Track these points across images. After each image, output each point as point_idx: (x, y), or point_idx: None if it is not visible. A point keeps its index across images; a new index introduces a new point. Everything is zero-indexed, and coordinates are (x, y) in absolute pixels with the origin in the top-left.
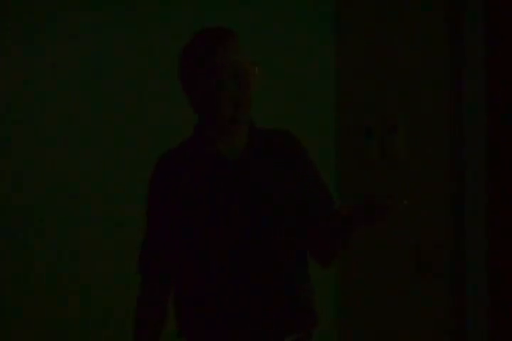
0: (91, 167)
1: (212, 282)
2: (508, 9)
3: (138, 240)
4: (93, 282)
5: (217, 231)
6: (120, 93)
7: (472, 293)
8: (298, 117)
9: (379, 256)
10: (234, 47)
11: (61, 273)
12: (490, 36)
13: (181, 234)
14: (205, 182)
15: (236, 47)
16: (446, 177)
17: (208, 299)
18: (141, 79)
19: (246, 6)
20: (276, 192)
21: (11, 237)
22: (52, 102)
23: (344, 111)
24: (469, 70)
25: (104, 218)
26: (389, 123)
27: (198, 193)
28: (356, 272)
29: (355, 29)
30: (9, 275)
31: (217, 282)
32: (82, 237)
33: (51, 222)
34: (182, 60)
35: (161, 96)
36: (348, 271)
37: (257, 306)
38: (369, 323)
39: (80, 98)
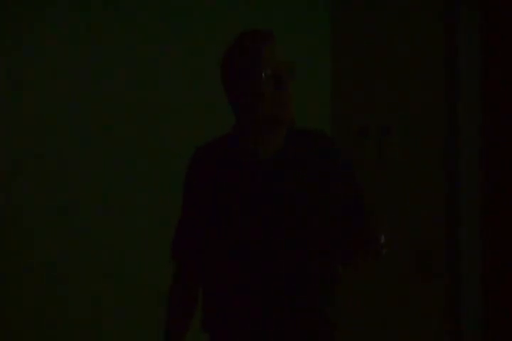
0: (91, 166)
1: (237, 280)
2: (506, 9)
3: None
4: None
5: (244, 228)
6: (120, 93)
7: (469, 293)
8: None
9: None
10: (275, 48)
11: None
12: (486, 35)
13: (211, 227)
14: (237, 180)
15: (276, 48)
16: (442, 178)
17: (231, 296)
18: (141, 80)
19: (243, 7)
20: (305, 195)
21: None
22: (52, 102)
23: (340, 112)
24: (465, 70)
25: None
26: (385, 124)
27: (229, 190)
28: (355, 272)
29: (351, 29)
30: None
31: (241, 280)
32: (83, 237)
33: (52, 220)
34: (225, 60)
35: (161, 96)
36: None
37: (278, 308)
38: (368, 323)
39: (79, 98)
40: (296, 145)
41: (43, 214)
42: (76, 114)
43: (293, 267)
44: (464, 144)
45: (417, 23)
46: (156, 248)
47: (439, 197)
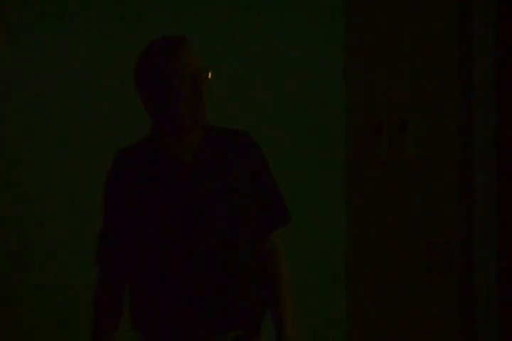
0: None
1: (164, 279)
2: None
3: None
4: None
5: (168, 228)
6: (120, 93)
7: (482, 292)
8: (307, 116)
9: (389, 256)
10: (186, 55)
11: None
12: (501, 31)
13: (135, 229)
14: (158, 181)
15: (188, 54)
16: (455, 176)
17: (159, 295)
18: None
19: (256, 5)
20: (227, 192)
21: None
22: (52, 101)
23: (353, 110)
24: (480, 67)
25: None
26: (399, 122)
27: (151, 192)
28: (366, 272)
29: (365, 27)
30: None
31: (168, 279)
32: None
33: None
34: (136, 68)
35: None
36: (358, 270)
37: (203, 302)
38: (378, 323)
39: (78, 97)
40: (214, 144)
41: (44, 213)
42: (76, 113)
43: (219, 266)
44: (479, 142)
45: (430, 18)
46: None
47: (451, 195)
